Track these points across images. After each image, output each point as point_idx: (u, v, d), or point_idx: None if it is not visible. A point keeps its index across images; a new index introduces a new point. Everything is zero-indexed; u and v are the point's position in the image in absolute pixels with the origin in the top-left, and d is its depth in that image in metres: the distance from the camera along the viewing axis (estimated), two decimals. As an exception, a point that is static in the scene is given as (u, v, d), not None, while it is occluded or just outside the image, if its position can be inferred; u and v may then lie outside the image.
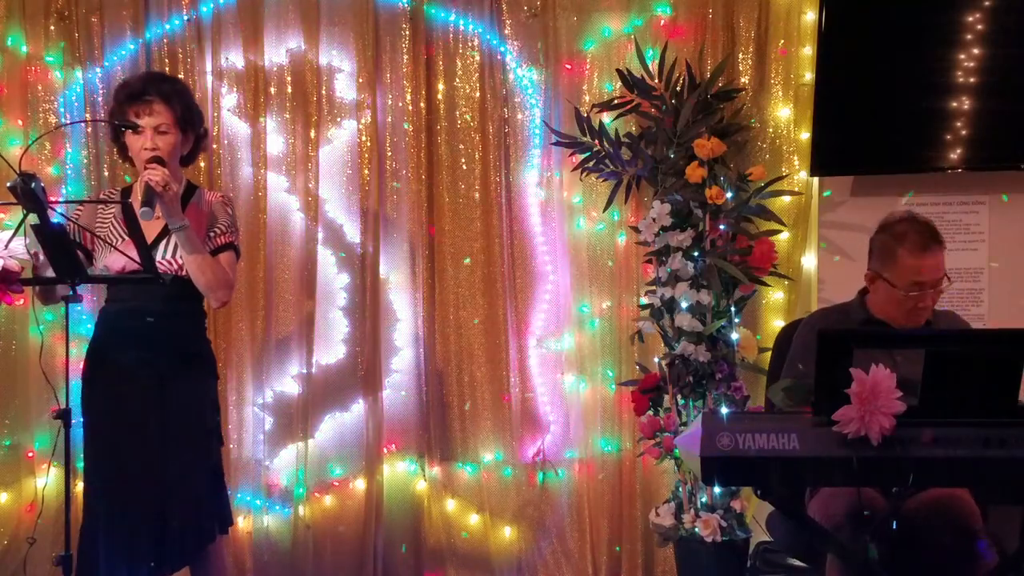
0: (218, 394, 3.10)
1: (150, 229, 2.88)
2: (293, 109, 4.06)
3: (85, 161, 4.07)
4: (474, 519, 4.06)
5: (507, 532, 4.04)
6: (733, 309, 3.65)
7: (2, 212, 3.93)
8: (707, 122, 3.66)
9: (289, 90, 4.06)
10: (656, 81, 3.77)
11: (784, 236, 3.83)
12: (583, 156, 3.80)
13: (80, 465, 3.85)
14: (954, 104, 3.64)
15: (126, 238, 2.89)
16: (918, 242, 2.75)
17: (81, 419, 2.95)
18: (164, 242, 2.92)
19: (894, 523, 2.50)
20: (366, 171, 4.04)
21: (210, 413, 3.02)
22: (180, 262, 2.90)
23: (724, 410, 3.51)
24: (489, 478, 4.06)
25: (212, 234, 2.98)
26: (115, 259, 2.88)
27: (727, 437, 2.10)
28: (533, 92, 4.02)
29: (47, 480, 3.67)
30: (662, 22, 3.92)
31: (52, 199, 2.77)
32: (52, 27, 4.07)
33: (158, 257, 2.90)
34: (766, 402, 3.03)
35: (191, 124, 3.00)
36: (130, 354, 2.90)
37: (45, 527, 3.61)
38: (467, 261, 4.03)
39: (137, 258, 2.71)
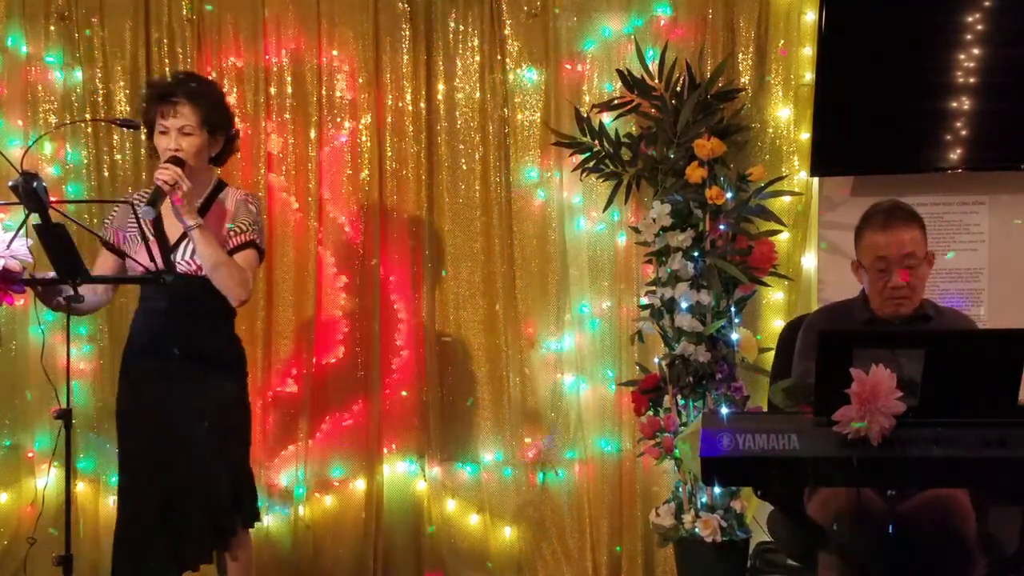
0: (247, 394, 3.09)
1: (174, 230, 2.90)
2: (293, 109, 4.06)
3: (85, 161, 4.07)
4: (474, 519, 4.07)
5: (507, 532, 4.04)
6: (733, 309, 3.65)
7: (2, 212, 3.93)
8: (707, 122, 3.66)
9: (289, 90, 4.06)
10: (656, 81, 3.77)
11: (784, 236, 3.83)
12: (583, 156, 3.80)
13: (80, 465, 3.88)
14: (953, 104, 3.64)
15: (151, 238, 2.91)
16: (880, 219, 2.81)
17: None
18: (185, 242, 2.92)
19: (891, 526, 2.50)
20: (366, 171, 4.04)
21: (234, 412, 3.02)
22: (199, 262, 2.91)
23: (724, 410, 3.51)
24: (489, 478, 4.06)
25: (231, 232, 2.98)
26: (142, 259, 2.90)
27: (727, 437, 2.10)
28: (533, 92, 4.02)
29: (47, 480, 3.67)
30: (662, 22, 3.93)
31: (53, 199, 2.77)
32: (52, 27, 4.07)
33: (179, 257, 2.91)
34: (768, 404, 3.03)
35: (219, 125, 2.98)
36: (151, 354, 2.95)
37: (45, 527, 3.61)
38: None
39: (159, 258, 2.74)
